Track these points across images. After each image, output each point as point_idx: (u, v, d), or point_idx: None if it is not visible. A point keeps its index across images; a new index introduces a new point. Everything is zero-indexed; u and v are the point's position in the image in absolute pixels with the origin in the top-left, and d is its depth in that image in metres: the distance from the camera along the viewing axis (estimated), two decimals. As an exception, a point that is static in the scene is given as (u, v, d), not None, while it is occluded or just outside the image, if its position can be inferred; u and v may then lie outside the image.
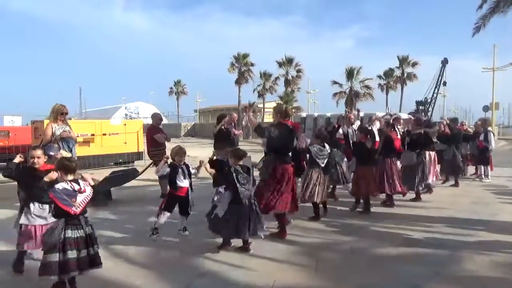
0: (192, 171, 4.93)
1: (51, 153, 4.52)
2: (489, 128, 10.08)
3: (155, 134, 7.69)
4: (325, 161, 5.66)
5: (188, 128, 42.94)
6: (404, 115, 14.11)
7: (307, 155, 5.72)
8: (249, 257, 4.18)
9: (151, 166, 7.76)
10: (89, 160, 11.26)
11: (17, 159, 3.84)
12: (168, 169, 4.82)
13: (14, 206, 5.20)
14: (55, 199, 3.13)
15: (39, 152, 3.90)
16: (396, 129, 7.22)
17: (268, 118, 37.90)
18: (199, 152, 13.13)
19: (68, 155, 5.00)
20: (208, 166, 4.81)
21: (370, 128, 7.00)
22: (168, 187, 5.00)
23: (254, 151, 10.83)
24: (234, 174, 4.22)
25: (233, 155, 4.50)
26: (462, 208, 6.61)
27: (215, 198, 4.70)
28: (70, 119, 8.03)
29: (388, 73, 41.84)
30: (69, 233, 3.12)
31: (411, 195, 7.19)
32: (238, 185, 4.19)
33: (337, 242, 4.80)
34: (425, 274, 3.76)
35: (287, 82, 39.99)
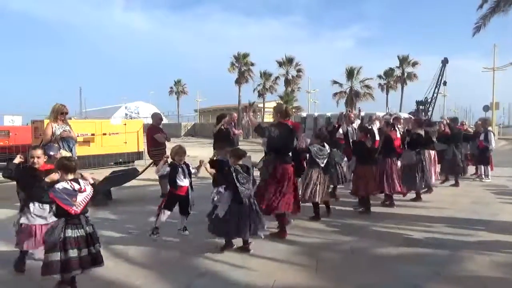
0: (192, 170, 4.93)
1: (51, 153, 4.52)
2: (489, 128, 10.08)
3: (155, 134, 7.69)
4: (325, 161, 5.66)
5: (188, 128, 42.96)
6: (404, 115, 14.11)
7: (307, 155, 5.71)
8: (249, 257, 4.18)
9: (151, 166, 7.76)
10: (89, 159, 11.25)
11: (17, 159, 3.84)
12: (168, 169, 4.82)
13: (14, 206, 5.20)
14: (56, 199, 3.13)
15: (39, 152, 3.91)
16: (396, 128, 7.22)
17: (268, 118, 37.89)
18: (199, 151, 13.14)
19: (68, 154, 5.01)
20: (208, 166, 4.81)
21: (370, 127, 7.00)
22: (168, 187, 5.00)
23: (254, 151, 10.83)
24: (234, 174, 4.22)
25: (232, 154, 4.50)
26: (462, 208, 6.61)
27: (215, 198, 4.70)
28: (70, 118, 8.03)
29: (388, 73, 41.83)
30: (69, 233, 3.12)
31: (411, 195, 7.19)
32: (238, 184, 4.19)
33: (337, 242, 4.80)
34: (425, 274, 3.76)
35: (287, 82, 39.99)
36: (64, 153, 5.04)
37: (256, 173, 5.16)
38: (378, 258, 4.24)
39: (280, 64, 39.90)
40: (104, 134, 12.29)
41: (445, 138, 9.04)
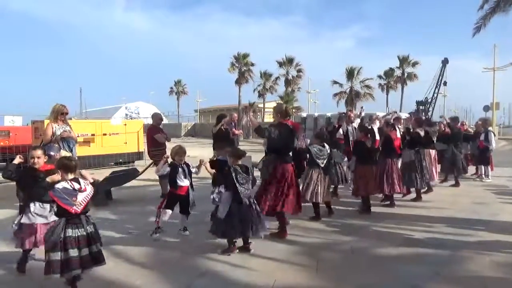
0: (193, 170, 4.94)
1: (52, 153, 4.53)
2: (490, 128, 10.07)
3: (156, 134, 7.69)
4: (325, 161, 5.66)
5: (189, 128, 42.94)
6: (404, 115, 14.11)
7: (307, 155, 5.71)
8: (250, 257, 4.18)
9: (151, 166, 7.76)
10: (90, 160, 11.25)
11: (17, 160, 3.85)
12: (168, 169, 4.82)
13: (14, 206, 5.21)
14: (55, 198, 3.14)
15: (39, 152, 3.91)
16: (397, 128, 7.22)
17: (269, 118, 37.90)
18: (199, 152, 13.13)
19: (69, 154, 5.01)
20: (208, 165, 4.81)
21: (370, 127, 7.00)
22: (169, 187, 5.00)
23: (255, 151, 10.82)
24: (233, 174, 4.21)
25: (232, 154, 4.50)
26: (462, 208, 6.61)
27: (216, 198, 4.70)
28: (70, 119, 8.03)
29: (389, 73, 41.81)
30: (70, 232, 3.13)
31: (411, 195, 7.19)
32: (237, 185, 4.19)
33: (337, 242, 4.80)
34: (425, 274, 3.76)
35: (288, 82, 39.99)
36: (64, 153, 5.05)
37: (257, 173, 5.16)
38: (378, 258, 4.24)
39: (280, 64, 39.91)
40: (104, 134, 12.29)
41: (445, 138, 9.05)
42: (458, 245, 4.57)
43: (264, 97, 41.27)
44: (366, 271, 3.90)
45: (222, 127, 7.65)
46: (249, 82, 40.53)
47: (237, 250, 4.29)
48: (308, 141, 6.57)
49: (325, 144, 5.82)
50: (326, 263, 4.08)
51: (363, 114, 8.69)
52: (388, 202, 6.72)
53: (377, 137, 6.86)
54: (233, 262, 4.02)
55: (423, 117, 13.52)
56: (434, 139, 8.55)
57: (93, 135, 12.06)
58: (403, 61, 40.90)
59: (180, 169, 4.82)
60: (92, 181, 3.42)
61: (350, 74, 37.99)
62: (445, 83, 38.09)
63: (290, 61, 39.78)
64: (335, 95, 39.23)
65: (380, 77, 41.99)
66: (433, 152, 8.09)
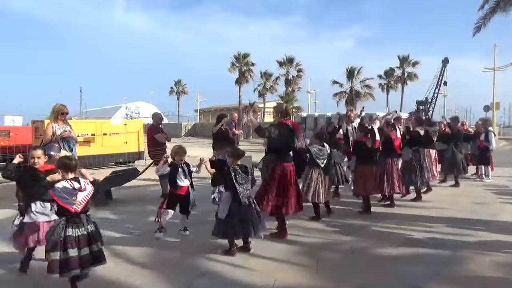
0: (193, 169, 4.93)
1: (52, 153, 4.53)
2: (490, 128, 10.06)
3: (156, 134, 7.69)
4: (325, 161, 5.66)
5: (189, 128, 42.95)
6: (404, 115, 14.10)
7: (307, 155, 5.71)
8: (250, 257, 4.18)
9: (151, 166, 7.76)
10: (90, 159, 11.25)
11: (17, 159, 3.84)
12: (168, 169, 4.82)
13: (14, 206, 5.21)
14: (55, 198, 3.14)
15: (39, 152, 3.90)
16: (397, 128, 7.22)
17: (269, 118, 37.90)
18: (199, 151, 13.12)
19: (69, 154, 5.01)
20: (208, 164, 4.81)
21: (370, 127, 7.00)
22: (169, 187, 5.00)
23: (255, 151, 10.84)
24: (232, 174, 4.21)
25: (231, 154, 4.50)
26: (462, 208, 6.60)
27: (216, 198, 4.70)
28: (70, 119, 8.04)
29: (389, 73, 41.83)
30: (70, 232, 3.13)
31: (411, 195, 7.19)
32: (236, 185, 4.18)
33: (337, 242, 4.80)
34: (425, 274, 3.76)
35: (288, 82, 40.00)
36: (65, 153, 5.05)
37: (257, 173, 5.16)
38: (378, 258, 4.24)
39: (281, 64, 39.92)
40: (105, 134, 12.29)
41: (445, 138, 9.04)
42: (458, 245, 4.57)
43: (264, 97, 41.29)
44: (366, 271, 3.90)
45: (222, 127, 7.65)
46: (249, 82, 40.63)
47: (236, 254, 4.26)
48: (308, 141, 6.57)
49: (325, 144, 5.82)
50: (326, 263, 4.08)
51: (363, 114, 8.69)
52: (388, 202, 6.72)
53: (377, 137, 6.85)
54: (233, 262, 4.02)
55: (424, 117, 13.50)
56: (435, 139, 8.55)
57: (93, 135, 12.06)
58: (403, 61, 40.91)
59: (180, 169, 4.82)
60: (91, 179, 3.42)
61: (350, 74, 38.01)
62: (445, 83, 38.10)
63: (290, 61, 39.79)
64: (335, 95, 39.27)
65: (380, 77, 42.04)
66: (433, 152, 8.08)
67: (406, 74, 41.16)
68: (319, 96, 53.32)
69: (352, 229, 5.30)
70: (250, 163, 5.16)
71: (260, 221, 4.33)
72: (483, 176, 9.71)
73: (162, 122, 8.69)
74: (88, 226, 3.23)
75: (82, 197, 3.20)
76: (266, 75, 40.33)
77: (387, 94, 42.22)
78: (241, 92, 40.80)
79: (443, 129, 9.13)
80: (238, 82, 40.19)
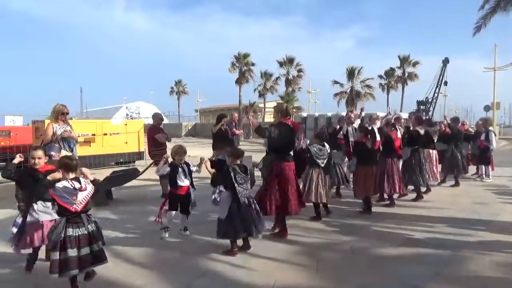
0: (193, 168, 4.94)
1: (52, 153, 4.53)
2: (490, 128, 10.06)
3: (156, 134, 7.69)
4: (325, 161, 5.66)
5: (189, 128, 42.95)
6: (404, 115, 14.09)
7: (308, 155, 5.71)
8: (250, 257, 4.18)
9: (152, 166, 7.77)
10: (90, 160, 11.25)
11: (17, 159, 3.84)
12: (168, 169, 4.83)
13: (14, 206, 5.20)
14: (56, 197, 3.15)
15: (40, 153, 3.90)
16: (397, 128, 7.21)
17: (269, 118, 37.90)
18: (200, 151, 13.12)
19: (69, 154, 5.02)
20: (208, 163, 4.81)
21: (370, 127, 7.00)
22: (169, 187, 5.01)
23: (255, 151, 10.84)
24: (232, 173, 4.21)
25: (230, 154, 4.50)
26: (462, 208, 6.60)
27: (218, 199, 4.69)
28: (71, 119, 8.04)
29: (389, 73, 41.82)
30: (70, 231, 3.13)
31: (411, 195, 7.18)
32: (236, 184, 4.18)
33: (337, 242, 4.79)
34: (425, 274, 3.76)
35: (288, 82, 40.00)
36: (65, 153, 5.05)
37: (257, 173, 5.16)
38: (378, 258, 4.24)
39: (281, 64, 39.92)
40: (105, 134, 12.30)
41: (445, 138, 9.04)
42: (458, 245, 4.57)
43: (264, 97, 41.30)
44: (366, 271, 3.89)
45: (222, 127, 7.65)
46: (250, 82, 40.66)
47: (237, 254, 4.26)
48: (308, 141, 6.56)
49: (325, 144, 5.82)
50: (326, 263, 4.08)
51: (363, 114, 8.68)
52: (388, 202, 6.72)
53: (378, 138, 6.85)
54: (233, 262, 4.02)
55: (424, 117, 13.50)
56: (435, 139, 8.54)
57: (93, 135, 12.08)
58: (404, 61, 40.90)
59: (180, 169, 4.82)
60: (91, 178, 3.42)
61: (351, 74, 38.01)
62: (445, 83, 38.13)
63: (290, 61, 39.79)
64: (336, 95, 39.28)
65: (380, 77, 42.04)
66: (433, 152, 8.08)
67: (406, 74, 41.15)
68: (319, 96, 53.42)
69: (352, 229, 5.30)
70: (250, 163, 5.17)
71: (260, 221, 4.33)
72: (484, 176, 9.71)
73: (163, 122, 8.69)
74: (88, 226, 3.24)
75: (82, 197, 3.20)
76: (266, 75, 40.35)
77: (388, 94, 42.26)
78: (241, 92, 40.89)
79: (444, 129, 9.13)
80: (238, 82, 40.19)
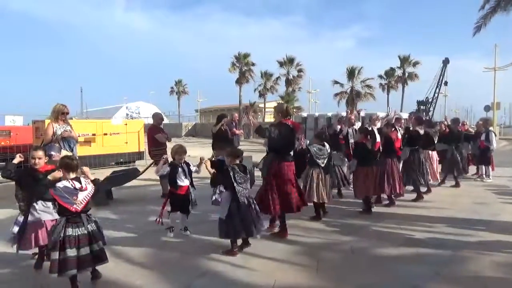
0: (193, 168, 4.94)
1: (52, 153, 4.53)
2: (491, 128, 10.06)
3: (156, 133, 7.69)
4: (325, 161, 5.66)
5: (189, 128, 42.96)
6: (405, 115, 14.10)
7: (308, 155, 5.71)
8: (250, 257, 4.18)
9: (152, 166, 7.77)
10: (90, 159, 11.24)
11: (17, 159, 3.84)
12: (168, 169, 4.83)
13: (14, 206, 5.21)
14: (56, 197, 3.15)
15: (40, 153, 3.90)
16: (397, 129, 7.21)
17: (269, 118, 37.91)
18: (200, 151, 13.12)
19: (70, 154, 5.02)
20: (208, 163, 4.82)
21: (370, 128, 7.00)
22: (169, 186, 5.01)
23: (255, 151, 10.84)
24: (231, 173, 4.21)
25: (229, 154, 4.50)
26: (463, 208, 6.60)
27: (218, 199, 4.70)
28: (71, 118, 8.04)
29: (389, 73, 41.83)
30: (70, 231, 3.14)
31: (411, 195, 7.18)
32: (235, 184, 4.18)
33: (337, 242, 4.79)
34: (425, 274, 3.75)
35: (288, 82, 39.99)
36: (65, 153, 5.05)
37: (258, 173, 5.16)
38: (378, 258, 4.24)
39: (281, 64, 39.91)
40: (105, 134, 12.31)
41: (446, 138, 9.04)
42: (458, 245, 4.57)
43: (264, 97, 41.30)
44: (366, 271, 3.89)
45: (222, 127, 7.65)
46: (250, 82, 40.65)
47: (238, 254, 4.27)
48: (308, 141, 6.56)
49: (325, 144, 5.81)
50: (326, 263, 4.08)
51: (362, 114, 8.69)
52: (388, 202, 6.72)
53: (378, 139, 6.85)
54: (233, 262, 4.02)
55: (424, 118, 13.51)
56: (435, 139, 8.54)
57: (94, 134, 12.08)
58: (404, 61, 40.91)
59: (180, 169, 4.82)
60: (91, 177, 3.43)
61: (351, 74, 38.00)
62: (445, 83, 38.15)
63: (290, 61, 39.78)
64: (336, 95, 39.27)
65: (380, 77, 42.04)
66: (433, 153, 8.07)
67: (406, 74, 41.16)
68: (319, 96, 53.46)
69: (352, 229, 5.30)
70: (250, 163, 5.16)
71: (259, 220, 4.33)
72: (484, 176, 9.71)
73: (163, 122, 8.69)
74: (88, 226, 3.24)
75: (82, 197, 3.21)
76: (266, 75, 40.34)
77: (388, 94, 42.26)
78: (242, 92, 40.87)
79: (444, 129, 9.13)
80: (239, 82, 40.18)
